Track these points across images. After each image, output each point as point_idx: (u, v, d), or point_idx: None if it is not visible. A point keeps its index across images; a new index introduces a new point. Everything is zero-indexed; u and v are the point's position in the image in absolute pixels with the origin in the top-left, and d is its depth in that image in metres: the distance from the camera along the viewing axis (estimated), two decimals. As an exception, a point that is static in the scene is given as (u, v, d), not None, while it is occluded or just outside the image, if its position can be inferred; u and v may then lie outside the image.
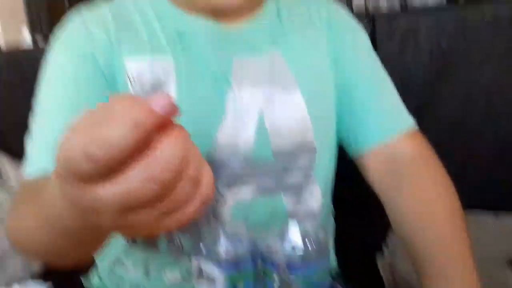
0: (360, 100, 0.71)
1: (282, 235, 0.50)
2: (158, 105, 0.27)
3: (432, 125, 1.04)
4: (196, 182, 0.28)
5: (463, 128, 1.08)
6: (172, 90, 0.63)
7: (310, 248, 0.49)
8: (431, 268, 0.59)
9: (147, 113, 0.27)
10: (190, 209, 0.28)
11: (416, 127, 0.72)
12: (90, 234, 0.37)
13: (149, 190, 0.26)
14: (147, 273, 0.69)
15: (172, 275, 0.68)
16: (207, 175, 0.29)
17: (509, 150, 1.09)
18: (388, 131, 0.70)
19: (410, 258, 0.63)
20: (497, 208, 1.14)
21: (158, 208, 0.27)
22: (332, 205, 0.80)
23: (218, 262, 0.49)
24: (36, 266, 1.16)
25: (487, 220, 1.12)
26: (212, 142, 0.62)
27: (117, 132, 0.26)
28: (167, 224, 0.28)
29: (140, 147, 0.26)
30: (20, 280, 1.08)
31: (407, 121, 0.71)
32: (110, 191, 0.26)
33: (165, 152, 0.27)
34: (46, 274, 1.15)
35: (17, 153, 1.27)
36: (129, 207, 0.27)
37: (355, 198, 0.85)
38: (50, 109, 0.62)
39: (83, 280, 0.79)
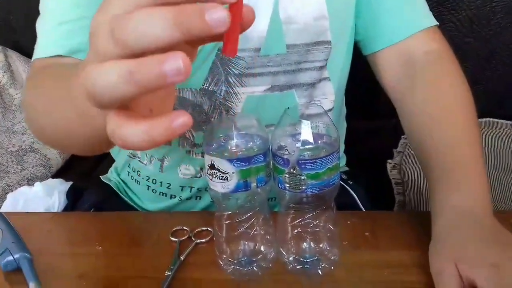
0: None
1: (294, 132, 0.50)
2: (212, 18, 0.25)
3: (453, 20, 1.00)
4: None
5: (485, 24, 1.04)
6: None
7: (320, 146, 0.50)
8: (439, 170, 0.58)
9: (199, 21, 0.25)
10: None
11: (436, 26, 0.69)
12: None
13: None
14: (161, 167, 0.71)
15: (185, 170, 0.70)
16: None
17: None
18: (405, 29, 0.68)
19: (419, 160, 0.63)
20: (513, 118, 1.13)
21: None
22: (345, 106, 0.80)
23: (230, 157, 0.49)
24: (55, 165, 1.20)
25: (503, 130, 1.12)
26: None
27: (158, 30, 0.24)
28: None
29: None
30: (41, 178, 1.12)
31: (426, 20, 0.68)
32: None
33: None
34: (65, 172, 1.19)
35: (28, 52, 1.27)
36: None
37: (369, 104, 0.84)
38: None
39: (102, 177, 0.82)
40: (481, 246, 0.50)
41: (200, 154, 0.68)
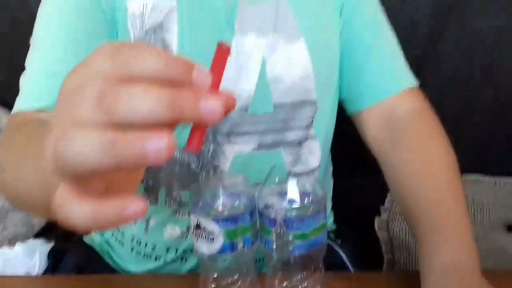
0: (362, 55, 0.70)
1: (281, 191, 0.50)
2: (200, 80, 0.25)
3: (433, 80, 1.03)
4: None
5: (464, 84, 1.07)
6: (174, 34, 0.62)
7: (307, 205, 0.49)
8: (425, 226, 0.58)
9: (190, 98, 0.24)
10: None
11: (417, 85, 0.71)
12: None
13: None
14: (147, 228, 0.70)
15: (171, 230, 0.68)
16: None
17: (509, 110, 1.09)
18: (388, 89, 0.70)
19: (405, 217, 0.63)
20: (496, 173, 1.15)
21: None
22: (331, 163, 0.80)
23: (216, 217, 0.49)
24: (38, 225, 1.17)
25: (486, 185, 1.13)
26: None
27: (153, 108, 0.23)
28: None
29: None
30: (22, 238, 1.09)
31: (408, 80, 0.71)
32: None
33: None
34: (48, 232, 1.16)
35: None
36: None
37: (354, 160, 0.85)
38: (47, 44, 0.61)
39: (84, 238, 0.80)
40: None
41: (186, 214, 0.68)
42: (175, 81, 0.25)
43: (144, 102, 0.23)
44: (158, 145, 0.23)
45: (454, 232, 0.57)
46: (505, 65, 1.06)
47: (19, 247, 0.83)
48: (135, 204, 0.24)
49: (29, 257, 0.80)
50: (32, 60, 0.61)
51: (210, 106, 0.25)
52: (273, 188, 0.50)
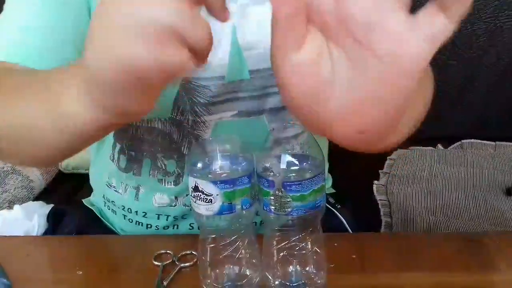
0: None
1: (279, 154, 0.49)
2: None
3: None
4: None
5: (467, 48, 1.06)
6: None
7: (306, 168, 0.49)
8: None
9: None
10: None
11: None
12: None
13: None
14: (137, 196, 0.70)
15: (160, 199, 0.69)
16: None
17: (510, 76, 1.08)
18: None
19: None
20: (496, 139, 1.15)
21: None
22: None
23: (214, 179, 0.49)
24: (37, 188, 1.18)
25: (487, 150, 1.13)
26: None
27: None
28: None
29: None
30: (21, 201, 1.10)
31: None
32: None
33: None
34: (47, 196, 1.17)
35: None
36: None
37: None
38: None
39: (84, 201, 0.81)
40: None
41: (172, 183, 0.68)
42: None
43: None
44: None
45: None
46: (509, 29, 1.04)
47: (18, 209, 0.83)
48: None
49: (28, 218, 0.80)
50: (5, 15, 0.59)
51: None
52: (271, 150, 0.50)
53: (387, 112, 0.33)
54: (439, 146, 1.15)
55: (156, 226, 0.71)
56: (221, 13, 0.37)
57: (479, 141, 1.13)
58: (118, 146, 0.69)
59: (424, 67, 0.31)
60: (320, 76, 0.33)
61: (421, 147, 1.14)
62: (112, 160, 0.71)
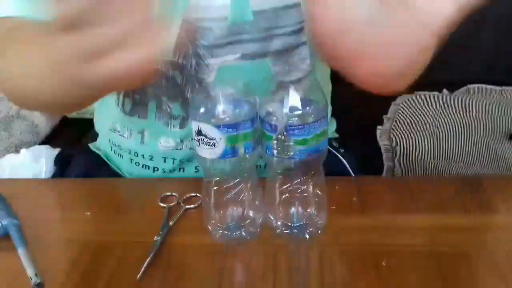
0: None
1: (282, 98, 0.49)
2: None
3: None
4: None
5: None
6: None
7: (309, 112, 0.49)
8: None
9: None
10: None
11: None
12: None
13: None
14: (142, 141, 0.71)
15: (165, 142, 0.69)
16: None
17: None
18: None
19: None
20: (503, 84, 1.13)
21: None
22: (328, 69, 0.79)
23: (217, 123, 0.49)
24: (43, 132, 1.19)
25: (493, 95, 1.12)
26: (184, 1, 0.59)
27: None
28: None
29: None
30: (28, 145, 1.11)
31: None
32: None
33: None
34: (53, 139, 1.18)
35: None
36: None
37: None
38: None
39: (90, 145, 0.82)
40: None
41: (178, 126, 0.68)
42: None
43: None
44: None
45: None
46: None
47: (25, 153, 0.84)
48: None
49: (36, 162, 0.82)
50: None
51: None
52: (274, 95, 0.50)
53: (399, 59, 0.35)
54: (445, 91, 1.14)
55: (162, 169, 0.72)
56: None
57: (485, 85, 1.12)
58: (123, 90, 0.69)
59: (445, 26, 0.33)
60: (346, 8, 0.34)
61: (426, 92, 1.13)
62: (117, 104, 0.71)
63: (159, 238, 0.56)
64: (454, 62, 1.09)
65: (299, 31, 0.66)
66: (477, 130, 1.03)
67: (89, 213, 0.62)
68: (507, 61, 1.12)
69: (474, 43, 1.09)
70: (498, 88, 1.13)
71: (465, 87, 1.13)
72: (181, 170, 0.72)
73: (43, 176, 0.82)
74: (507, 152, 0.99)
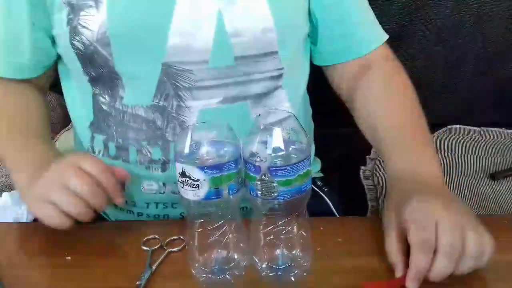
0: (343, 8, 0.70)
1: (265, 140, 0.50)
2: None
3: (424, 28, 1.03)
4: None
5: (453, 33, 1.06)
6: None
7: (292, 153, 0.50)
8: (391, 141, 0.66)
9: None
10: None
11: (385, 40, 0.74)
12: None
13: None
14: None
15: (148, 186, 0.69)
16: None
17: (497, 61, 1.08)
18: (373, 41, 0.71)
19: (372, 141, 0.71)
20: (481, 125, 1.16)
21: None
22: (309, 108, 0.81)
23: (201, 165, 0.49)
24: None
25: (472, 136, 1.14)
26: (163, 43, 0.61)
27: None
28: None
29: None
30: (10, 188, 1.09)
31: (383, 32, 0.73)
32: None
33: None
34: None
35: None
36: None
37: (339, 110, 0.85)
38: None
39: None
40: (422, 199, 0.55)
41: (159, 169, 0.68)
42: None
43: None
44: None
45: (419, 145, 0.64)
46: (495, 16, 1.05)
47: (6, 197, 0.83)
48: None
49: (17, 205, 0.80)
50: None
51: None
52: (258, 136, 0.50)
53: None
54: (426, 132, 1.16)
55: (147, 215, 0.72)
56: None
57: (464, 126, 1.15)
58: (102, 137, 0.69)
59: None
60: None
61: (408, 133, 1.15)
62: (93, 152, 0.71)
63: (141, 282, 0.54)
64: (434, 104, 1.11)
65: (278, 77, 0.68)
66: (458, 170, 1.05)
67: (70, 258, 0.60)
68: (485, 102, 1.15)
69: (452, 86, 1.12)
70: (477, 128, 1.15)
71: (445, 128, 1.15)
72: (165, 216, 0.72)
73: (24, 220, 0.80)
74: (489, 192, 1.00)
